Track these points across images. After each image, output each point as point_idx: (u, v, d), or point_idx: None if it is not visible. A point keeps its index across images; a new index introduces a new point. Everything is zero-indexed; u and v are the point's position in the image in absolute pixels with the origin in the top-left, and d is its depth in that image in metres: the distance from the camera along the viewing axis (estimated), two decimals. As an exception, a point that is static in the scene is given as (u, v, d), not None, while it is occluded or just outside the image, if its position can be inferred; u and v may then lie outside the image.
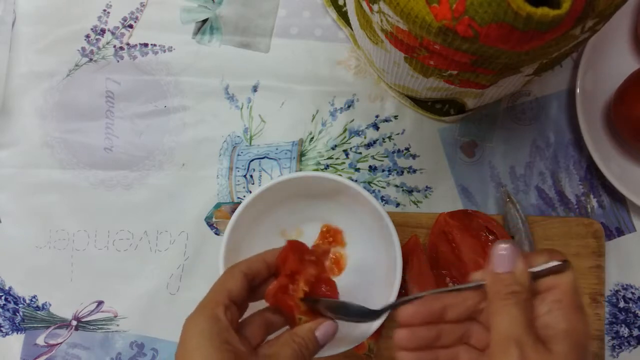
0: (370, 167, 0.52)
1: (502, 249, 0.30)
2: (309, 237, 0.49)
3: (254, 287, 0.36)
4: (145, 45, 0.53)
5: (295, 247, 0.37)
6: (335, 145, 0.52)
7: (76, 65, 0.53)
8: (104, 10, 0.53)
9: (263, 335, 0.35)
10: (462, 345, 0.33)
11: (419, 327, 0.32)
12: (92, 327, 0.52)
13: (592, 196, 0.52)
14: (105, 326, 0.51)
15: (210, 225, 0.52)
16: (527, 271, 0.30)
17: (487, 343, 0.32)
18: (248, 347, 0.33)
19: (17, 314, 0.52)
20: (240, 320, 0.35)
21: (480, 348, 0.32)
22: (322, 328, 0.34)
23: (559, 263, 0.30)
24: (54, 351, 0.51)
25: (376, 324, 0.41)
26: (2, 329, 0.52)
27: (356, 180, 0.52)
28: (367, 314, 0.37)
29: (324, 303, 0.36)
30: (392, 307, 0.36)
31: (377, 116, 0.52)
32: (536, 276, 0.30)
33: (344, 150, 0.52)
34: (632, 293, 0.51)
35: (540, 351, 0.28)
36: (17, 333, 0.52)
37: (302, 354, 0.33)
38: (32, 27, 0.53)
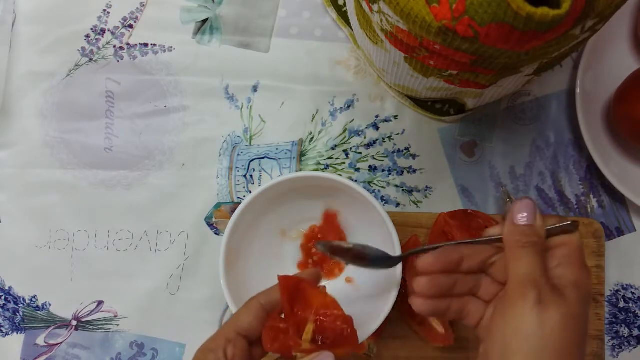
0: (370, 167, 0.52)
1: (523, 204, 0.33)
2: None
3: None
4: (145, 45, 0.53)
5: (287, 286, 0.33)
6: (335, 145, 0.52)
7: (76, 65, 0.53)
8: (104, 10, 0.53)
9: None
10: (471, 296, 0.35)
11: (438, 275, 0.33)
12: (92, 327, 0.52)
13: (592, 196, 0.52)
14: (105, 326, 0.51)
15: (210, 225, 0.52)
16: (544, 225, 0.32)
17: (494, 295, 0.35)
18: None
19: (17, 314, 0.52)
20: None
21: (486, 300, 0.35)
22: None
23: (569, 223, 0.32)
24: (54, 351, 0.52)
25: (377, 322, 0.41)
26: (2, 329, 0.52)
27: (356, 180, 0.52)
28: (386, 260, 0.38)
29: (341, 247, 0.36)
30: (412, 254, 0.38)
31: (377, 116, 0.52)
32: (549, 234, 0.33)
33: (344, 150, 0.52)
34: (632, 293, 0.51)
35: (554, 296, 0.30)
36: (17, 333, 0.52)
37: None
38: (32, 27, 0.53)
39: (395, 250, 0.42)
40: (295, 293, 0.33)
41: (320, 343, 0.32)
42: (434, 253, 0.34)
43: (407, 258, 0.41)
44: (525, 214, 0.32)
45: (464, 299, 0.35)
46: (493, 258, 0.35)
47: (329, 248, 0.37)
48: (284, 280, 0.34)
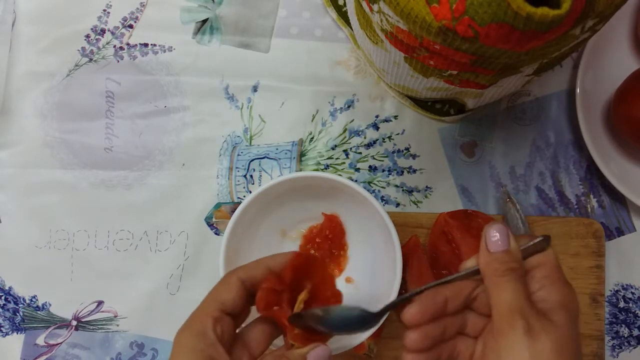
0: (370, 167, 0.52)
1: (494, 229, 0.31)
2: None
3: (255, 294, 0.33)
4: (145, 45, 0.53)
5: (298, 262, 0.34)
6: (335, 145, 0.52)
7: (76, 65, 0.53)
8: (104, 11, 0.53)
9: (268, 341, 0.34)
10: (459, 335, 0.33)
11: (428, 326, 0.32)
12: (92, 327, 0.52)
13: (592, 196, 0.52)
14: (105, 326, 0.51)
15: (210, 225, 0.52)
16: (519, 248, 0.31)
17: (481, 329, 0.33)
18: None
19: (17, 314, 0.52)
20: (241, 328, 0.34)
21: (474, 335, 0.33)
22: (315, 353, 0.32)
23: (541, 238, 0.31)
24: (54, 351, 0.52)
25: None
26: (2, 329, 0.52)
27: (356, 180, 0.52)
28: (362, 321, 0.35)
29: (313, 317, 0.32)
30: (390, 308, 0.35)
31: (377, 116, 0.52)
32: (524, 256, 0.31)
33: (344, 150, 0.52)
34: (632, 293, 0.51)
35: (543, 322, 0.29)
36: (17, 333, 0.52)
37: None
38: (32, 27, 0.53)
39: (396, 250, 0.42)
40: (302, 265, 0.34)
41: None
42: (417, 302, 0.32)
43: (406, 258, 0.41)
44: (499, 239, 0.31)
45: (454, 340, 0.33)
46: (475, 291, 0.33)
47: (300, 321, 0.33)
48: (297, 256, 0.34)
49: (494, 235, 0.31)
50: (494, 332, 0.30)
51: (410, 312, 0.32)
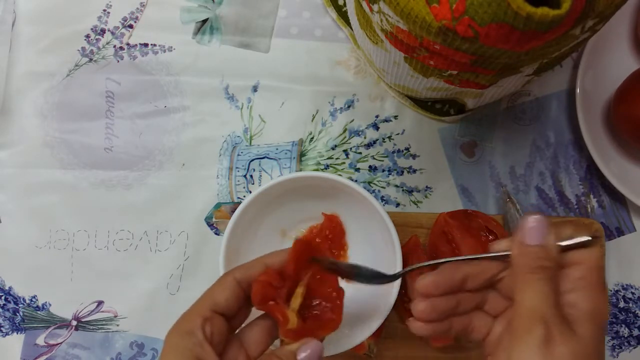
0: (370, 167, 0.52)
1: (534, 220, 0.29)
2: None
3: None
4: (145, 45, 0.53)
5: (301, 250, 0.33)
6: (335, 145, 0.52)
7: (76, 65, 0.53)
8: (104, 10, 0.53)
9: (267, 341, 0.33)
10: (476, 310, 0.32)
11: (438, 298, 0.31)
12: (92, 327, 0.52)
13: (592, 196, 0.52)
14: (105, 326, 0.51)
15: (210, 225, 0.52)
16: (557, 246, 0.29)
17: (502, 310, 0.31)
18: None
19: (17, 314, 0.52)
20: (241, 327, 0.33)
21: (494, 314, 0.32)
22: (306, 349, 0.30)
23: (589, 239, 0.29)
24: (54, 351, 0.52)
25: (377, 322, 0.41)
26: (2, 329, 0.52)
27: (356, 180, 0.52)
28: (383, 277, 0.35)
29: (336, 264, 0.33)
30: (410, 270, 0.35)
31: (377, 116, 0.52)
32: (564, 249, 0.29)
33: (344, 150, 0.52)
34: (632, 293, 0.51)
35: (565, 332, 0.27)
36: (17, 333, 0.52)
37: None
38: (32, 27, 0.53)
39: (396, 250, 0.42)
40: (304, 258, 0.33)
41: (305, 311, 0.32)
42: (435, 273, 0.31)
43: (406, 258, 0.41)
44: (536, 231, 0.28)
45: (469, 314, 0.32)
46: (501, 274, 0.31)
47: (326, 263, 0.33)
48: (300, 244, 0.33)
49: (532, 225, 0.29)
50: (511, 331, 0.28)
51: (424, 282, 0.30)
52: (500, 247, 0.31)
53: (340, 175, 0.52)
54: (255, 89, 0.53)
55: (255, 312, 0.33)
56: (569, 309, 0.28)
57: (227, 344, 0.31)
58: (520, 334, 0.27)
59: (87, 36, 0.53)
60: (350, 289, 0.47)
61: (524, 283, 0.28)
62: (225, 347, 0.31)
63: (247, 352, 0.32)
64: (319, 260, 0.32)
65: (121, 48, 0.53)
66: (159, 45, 0.53)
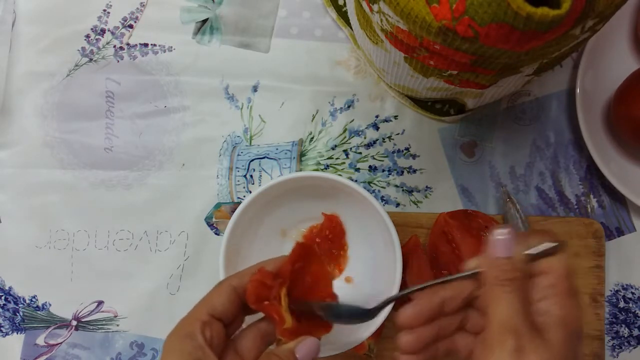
0: (370, 167, 0.52)
1: (500, 233, 0.30)
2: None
3: None
4: (145, 45, 0.53)
5: (302, 255, 0.33)
6: (335, 145, 0.52)
7: (76, 65, 0.53)
8: (104, 10, 0.53)
9: (260, 347, 0.33)
10: (458, 331, 0.33)
11: (422, 327, 0.31)
12: (92, 327, 0.52)
13: (592, 196, 0.52)
14: (105, 326, 0.51)
15: (210, 225, 0.52)
16: (524, 256, 0.29)
17: (483, 327, 0.31)
18: None
19: (17, 314, 0.52)
20: (236, 334, 0.33)
21: (475, 332, 0.32)
22: (303, 347, 0.31)
23: (554, 245, 0.29)
24: (54, 351, 0.52)
25: (377, 322, 0.41)
26: (2, 329, 0.52)
27: (356, 180, 0.52)
28: (361, 314, 0.35)
29: (315, 306, 0.33)
30: (386, 304, 0.35)
31: (377, 116, 0.52)
32: (531, 259, 0.29)
33: (344, 150, 0.52)
34: (632, 293, 0.51)
35: (535, 341, 0.27)
36: (17, 333, 0.52)
37: None
38: (32, 27, 0.53)
39: (396, 250, 0.42)
40: (302, 260, 0.33)
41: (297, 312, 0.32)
42: (413, 304, 0.31)
43: (406, 258, 0.41)
44: (502, 244, 0.29)
45: (452, 336, 0.32)
46: (477, 291, 0.31)
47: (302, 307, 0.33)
48: (300, 247, 0.33)
49: (500, 239, 0.30)
50: (484, 343, 0.29)
51: (405, 314, 0.31)
52: (472, 265, 0.31)
53: (340, 175, 0.52)
54: (255, 89, 0.53)
55: (249, 320, 0.34)
56: (541, 316, 0.28)
57: (223, 350, 0.32)
58: (493, 347, 0.28)
59: (87, 36, 0.53)
60: (350, 289, 0.48)
61: (494, 296, 0.29)
62: (221, 353, 0.31)
63: (242, 358, 0.32)
64: (295, 304, 0.32)
65: (121, 48, 0.53)
66: (159, 45, 0.53)
